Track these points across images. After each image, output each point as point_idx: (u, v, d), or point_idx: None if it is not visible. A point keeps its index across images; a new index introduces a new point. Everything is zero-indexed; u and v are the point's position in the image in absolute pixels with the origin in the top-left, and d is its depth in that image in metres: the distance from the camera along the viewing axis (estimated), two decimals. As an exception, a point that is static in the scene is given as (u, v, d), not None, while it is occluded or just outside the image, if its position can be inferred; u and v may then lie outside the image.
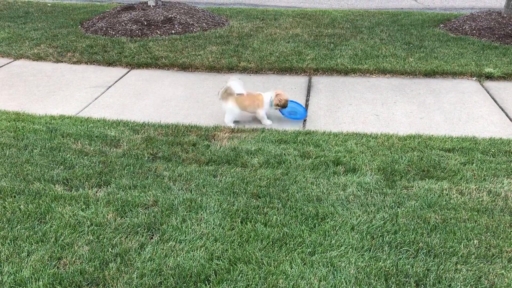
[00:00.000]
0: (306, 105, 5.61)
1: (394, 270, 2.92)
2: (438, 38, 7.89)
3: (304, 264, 3.00)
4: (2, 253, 3.10)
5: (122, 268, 2.97)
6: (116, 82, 6.47)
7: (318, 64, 6.76)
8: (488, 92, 5.92)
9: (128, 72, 6.87)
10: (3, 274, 2.93)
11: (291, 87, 6.18)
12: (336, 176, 3.98)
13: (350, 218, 3.42)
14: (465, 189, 3.78)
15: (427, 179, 3.93)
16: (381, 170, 4.06)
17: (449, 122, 5.13)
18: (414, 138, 4.66)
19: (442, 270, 2.93)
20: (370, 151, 4.38)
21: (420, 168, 4.09)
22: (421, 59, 6.90)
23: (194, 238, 3.24)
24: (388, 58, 6.95)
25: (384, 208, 3.55)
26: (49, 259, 3.06)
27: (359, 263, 2.99)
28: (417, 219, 3.41)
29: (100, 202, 3.62)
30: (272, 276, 2.89)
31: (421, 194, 3.71)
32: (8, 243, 3.20)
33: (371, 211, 3.51)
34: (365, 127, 5.01)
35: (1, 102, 5.78)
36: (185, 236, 3.26)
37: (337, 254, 3.07)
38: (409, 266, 2.96)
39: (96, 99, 5.91)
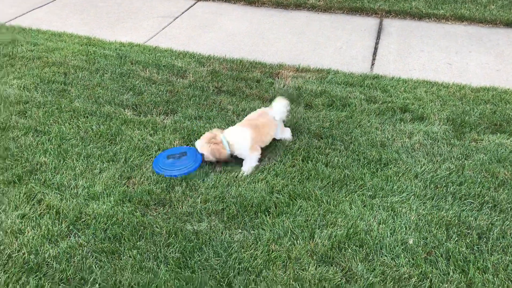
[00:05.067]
0: (375, 48, 5.40)
1: (456, 221, 2.88)
2: (525, -15, 7.25)
3: (364, 206, 3.01)
4: (77, 168, 3.31)
5: (187, 192, 3.10)
6: (183, 13, 6.46)
7: (391, 6, 6.42)
8: None
9: (195, 3, 6.82)
10: (78, 187, 3.14)
11: (360, 28, 5.94)
12: (402, 123, 3.88)
13: (414, 166, 3.36)
14: (540, 147, 3.60)
15: (498, 134, 3.76)
16: (450, 121, 3.91)
17: (529, 76, 4.80)
18: (488, 90, 4.42)
19: (507, 225, 2.85)
20: (440, 100, 4.21)
21: (492, 121, 3.91)
22: (503, 7, 6.40)
23: (256, 171, 3.31)
24: (467, 4, 6.48)
25: (451, 159, 3.45)
26: (119, 177, 3.23)
27: (420, 211, 2.96)
28: (485, 173, 3.30)
29: (167, 129, 3.74)
30: (331, 214, 2.93)
31: (491, 148, 3.56)
32: (82, 159, 3.40)
33: (437, 160, 3.43)
34: (436, 76, 4.78)
35: (74, 27, 5.95)
36: (247, 168, 3.33)
37: (398, 200, 3.05)
38: (472, 219, 2.90)
39: (163, 29, 5.95)
